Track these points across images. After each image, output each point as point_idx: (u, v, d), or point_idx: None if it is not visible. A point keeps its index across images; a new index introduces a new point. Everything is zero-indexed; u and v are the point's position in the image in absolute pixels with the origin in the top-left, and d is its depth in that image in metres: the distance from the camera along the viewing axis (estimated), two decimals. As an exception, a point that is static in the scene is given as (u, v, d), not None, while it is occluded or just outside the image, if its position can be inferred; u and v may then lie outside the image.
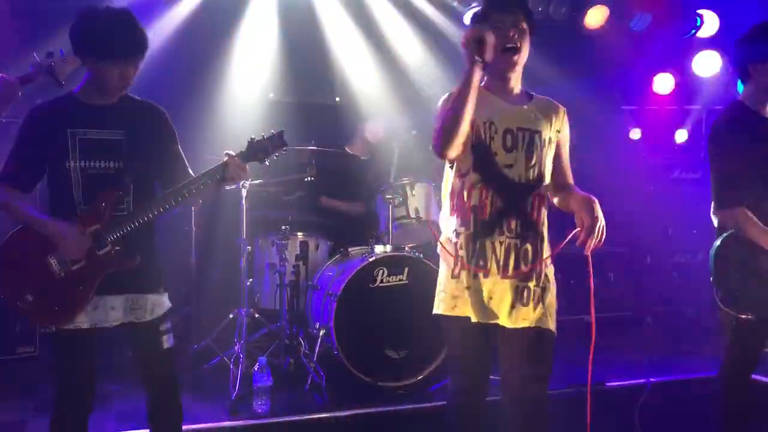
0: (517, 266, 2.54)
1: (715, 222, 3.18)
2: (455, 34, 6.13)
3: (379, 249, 4.37)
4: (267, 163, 2.81)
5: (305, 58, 5.96)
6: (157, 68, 5.09)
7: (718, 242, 3.09)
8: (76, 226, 2.54)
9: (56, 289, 2.53)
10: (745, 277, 3.00)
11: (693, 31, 5.79)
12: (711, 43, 5.92)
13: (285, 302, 4.43)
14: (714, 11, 5.78)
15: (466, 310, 2.55)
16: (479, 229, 2.55)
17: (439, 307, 2.66)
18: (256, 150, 2.76)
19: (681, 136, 6.22)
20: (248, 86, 5.68)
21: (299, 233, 4.76)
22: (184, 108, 5.29)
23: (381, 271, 4.20)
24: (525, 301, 2.54)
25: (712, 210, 3.15)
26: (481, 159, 2.56)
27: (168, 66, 5.21)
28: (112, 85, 2.59)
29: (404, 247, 4.52)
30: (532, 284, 2.56)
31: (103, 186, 2.58)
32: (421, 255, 4.42)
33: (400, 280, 4.24)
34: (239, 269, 4.50)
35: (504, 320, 2.55)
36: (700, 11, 5.74)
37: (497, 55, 2.50)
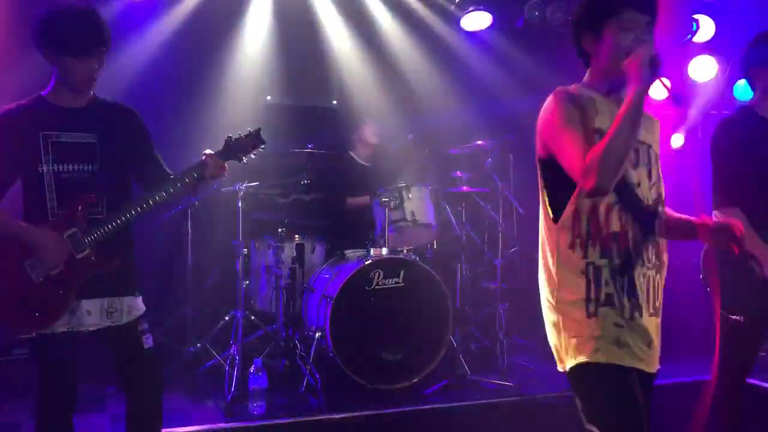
0: (655, 302, 2.25)
1: None
2: (452, 39, 6.16)
3: (375, 252, 4.37)
4: (245, 161, 2.80)
5: (303, 60, 5.98)
6: (156, 71, 5.15)
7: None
8: (53, 232, 2.48)
9: (36, 295, 2.45)
10: (736, 279, 3.00)
11: (689, 36, 5.81)
12: (707, 47, 5.94)
13: (281, 304, 4.43)
14: (710, 16, 5.81)
15: (619, 356, 2.15)
16: (624, 260, 2.15)
17: (587, 355, 2.13)
18: (234, 148, 2.75)
19: (677, 141, 6.25)
20: (245, 89, 5.68)
21: (296, 236, 4.77)
22: (182, 111, 5.32)
23: (377, 274, 4.21)
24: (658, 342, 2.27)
25: (713, 208, 3.15)
26: None
27: (166, 69, 5.23)
28: (79, 79, 2.54)
29: (401, 250, 4.54)
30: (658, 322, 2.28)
31: (78, 189, 2.54)
32: (417, 258, 4.43)
33: (396, 282, 4.24)
34: (235, 271, 4.49)
35: (651, 365, 2.25)
36: (696, 16, 5.76)
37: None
